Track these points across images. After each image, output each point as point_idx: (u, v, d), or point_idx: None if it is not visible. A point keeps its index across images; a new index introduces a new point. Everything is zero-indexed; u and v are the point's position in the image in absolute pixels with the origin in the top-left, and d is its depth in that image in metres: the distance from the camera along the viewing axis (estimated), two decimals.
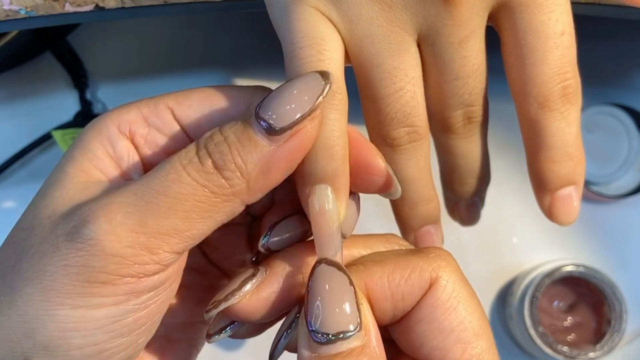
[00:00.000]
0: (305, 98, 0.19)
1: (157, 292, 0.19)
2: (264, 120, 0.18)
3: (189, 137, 0.22)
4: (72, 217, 0.18)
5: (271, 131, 0.18)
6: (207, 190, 0.18)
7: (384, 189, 0.22)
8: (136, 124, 0.21)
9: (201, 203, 0.18)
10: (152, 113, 0.22)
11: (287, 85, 0.19)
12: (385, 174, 0.21)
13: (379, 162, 0.21)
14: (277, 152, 0.19)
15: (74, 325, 0.18)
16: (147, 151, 0.22)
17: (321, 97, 0.19)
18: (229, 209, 0.19)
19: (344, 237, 0.22)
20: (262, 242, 0.22)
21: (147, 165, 0.22)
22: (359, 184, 0.22)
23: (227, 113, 0.22)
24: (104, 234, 0.18)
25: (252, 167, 0.19)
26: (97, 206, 0.18)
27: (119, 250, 0.18)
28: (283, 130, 0.18)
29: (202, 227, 0.19)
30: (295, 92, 0.19)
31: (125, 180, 0.21)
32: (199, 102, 0.22)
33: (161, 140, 0.22)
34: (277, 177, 0.19)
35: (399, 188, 0.22)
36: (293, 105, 0.19)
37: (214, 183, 0.18)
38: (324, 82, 0.19)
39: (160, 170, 0.19)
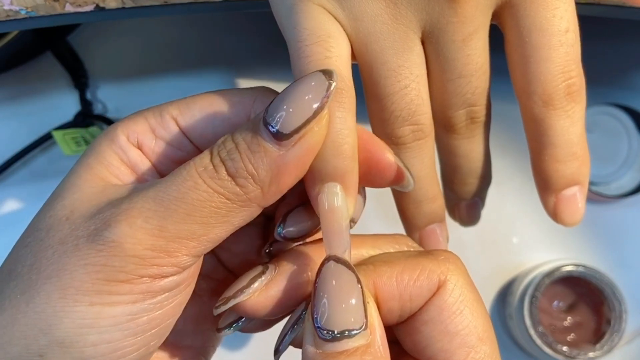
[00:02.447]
0: (310, 99, 0.19)
1: (173, 294, 0.20)
2: (271, 126, 0.18)
3: (195, 145, 0.22)
4: (94, 220, 0.19)
5: (279, 136, 0.18)
6: (223, 197, 0.19)
7: (396, 182, 0.22)
8: (143, 134, 0.22)
9: (218, 209, 0.19)
10: (158, 124, 0.22)
11: (291, 88, 0.19)
12: (395, 167, 0.22)
13: (388, 156, 0.21)
14: (287, 156, 0.19)
15: (90, 322, 0.18)
16: (156, 163, 0.22)
17: (326, 97, 0.19)
18: (246, 213, 0.19)
19: (352, 221, 0.22)
20: (277, 230, 0.22)
21: (159, 174, 0.22)
22: (371, 180, 0.22)
23: (231, 119, 0.22)
24: (125, 236, 0.18)
25: (264, 173, 0.19)
26: (118, 211, 0.19)
27: (138, 252, 0.18)
28: (290, 134, 0.18)
29: (219, 231, 0.19)
30: (299, 94, 0.19)
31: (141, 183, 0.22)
32: (202, 110, 0.22)
33: (169, 150, 0.22)
34: (290, 180, 0.19)
35: (412, 180, 0.22)
36: (298, 108, 0.19)
37: (229, 190, 0.19)
38: (327, 82, 0.19)
39: (177, 177, 0.19)
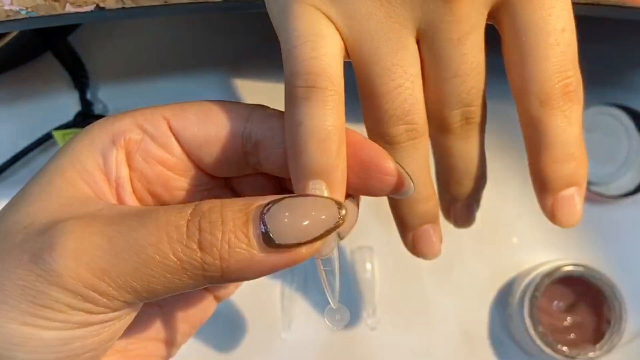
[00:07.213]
0: (314, 225, 0.19)
1: (111, 323, 0.20)
2: (266, 227, 0.18)
3: (182, 148, 0.22)
4: (46, 234, 0.18)
5: (267, 240, 0.18)
6: (179, 264, 0.18)
7: (396, 190, 0.22)
8: (130, 132, 0.21)
9: (168, 274, 0.18)
10: (147, 121, 0.22)
11: (302, 203, 0.19)
12: (395, 174, 0.21)
13: (388, 163, 0.21)
14: (263, 260, 0.19)
15: (20, 341, 0.18)
16: (139, 159, 0.22)
17: (328, 232, 0.19)
18: (193, 284, 0.19)
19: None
20: None
21: (137, 176, 0.22)
22: (371, 187, 0.22)
23: (225, 128, 0.22)
24: (67, 270, 0.18)
25: (234, 263, 0.18)
26: (70, 236, 0.18)
27: (77, 289, 0.18)
28: (279, 245, 0.18)
29: (160, 291, 0.19)
30: (307, 213, 0.19)
31: (112, 193, 0.21)
32: (197, 114, 0.22)
33: (154, 149, 0.22)
34: (252, 276, 0.19)
35: (412, 185, 0.22)
36: (299, 227, 0.19)
37: (190, 259, 0.18)
38: (338, 217, 0.19)
39: (144, 224, 0.19)
